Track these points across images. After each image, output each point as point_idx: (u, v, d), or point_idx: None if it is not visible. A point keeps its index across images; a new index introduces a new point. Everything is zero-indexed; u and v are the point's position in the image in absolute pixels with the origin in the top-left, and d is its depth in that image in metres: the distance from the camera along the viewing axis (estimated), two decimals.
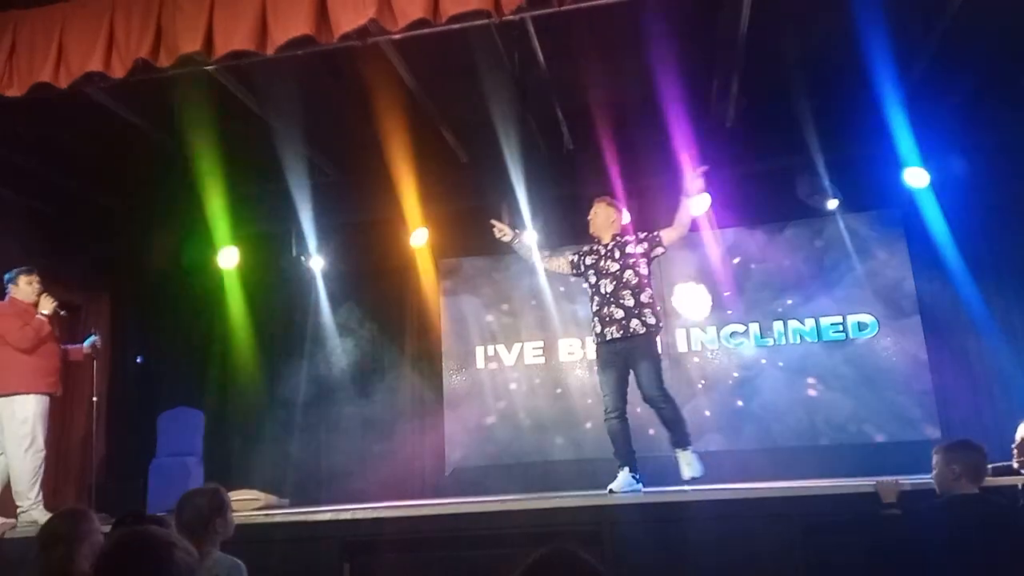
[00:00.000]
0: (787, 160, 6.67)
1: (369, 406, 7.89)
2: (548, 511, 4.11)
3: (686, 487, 4.61)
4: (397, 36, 4.40)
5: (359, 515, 4.28)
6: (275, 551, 4.04)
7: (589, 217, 5.10)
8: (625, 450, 4.73)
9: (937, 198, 6.61)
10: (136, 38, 4.40)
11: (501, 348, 7.87)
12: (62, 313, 5.54)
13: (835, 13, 5.24)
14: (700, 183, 4.87)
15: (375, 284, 8.13)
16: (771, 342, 7.33)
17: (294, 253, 7.56)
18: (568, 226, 7.54)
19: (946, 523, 3.11)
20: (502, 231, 5.17)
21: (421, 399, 7.87)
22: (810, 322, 7.27)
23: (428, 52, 5.37)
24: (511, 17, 4.20)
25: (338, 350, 7.95)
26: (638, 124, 6.39)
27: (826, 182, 6.69)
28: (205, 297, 7.74)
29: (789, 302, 7.35)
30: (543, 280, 7.78)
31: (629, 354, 4.73)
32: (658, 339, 4.87)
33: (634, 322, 4.70)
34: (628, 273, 4.80)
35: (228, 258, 7.51)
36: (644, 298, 4.77)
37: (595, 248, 5.04)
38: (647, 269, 4.89)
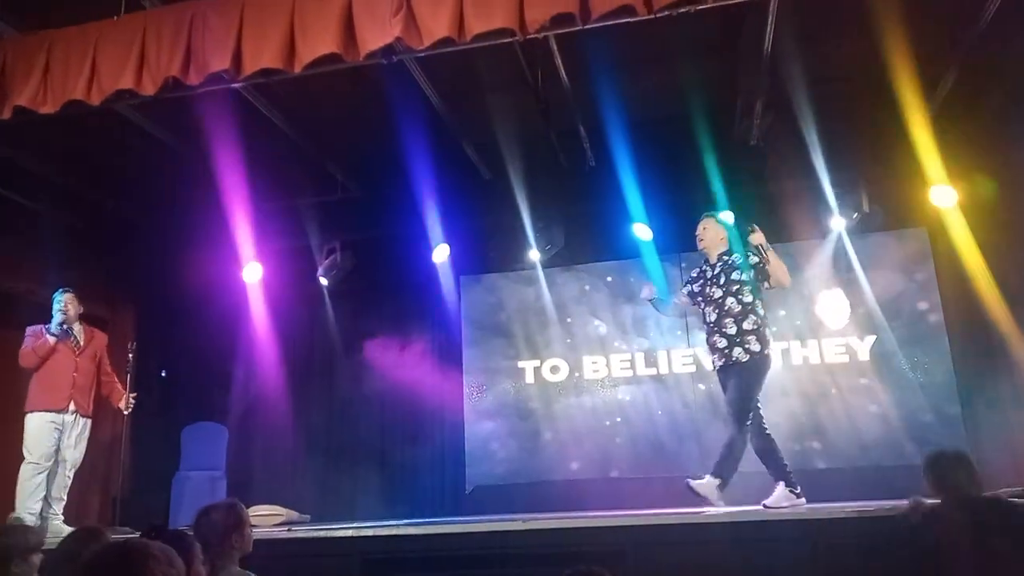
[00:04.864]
0: (812, 178, 6.61)
1: (390, 422, 7.89)
2: (571, 530, 4.06)
3: (709, 508, 4.54)
4: (422, 54, 4.44)
5: (379, 532, 4.28)
6: (295, 567, 4.04)
7: (697, 233, 5.02)
8: (778, 464, 4.75)
9: (964, 217, 6.53)
10: (167, 57, 4.48)
11: (522, 365, 7.84)
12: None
13: (860, 30, 5.23)
14: (757, 237, 4.78)
15: (396, 299, 8.15)
16: (796, 360, 7.24)
17: (317, 269, 7.61)
18: (590, 242, 7.56)
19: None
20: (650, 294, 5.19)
21: (442, 416, 7.85)
22: (836, 340, 7.18)
23: (451, 68, 5.41)
24: (535, 35, 4.22)
25: (359, 366, 7.97)
26: (661, 141, 6.38)
27: (851, 201, 6.65)
28: (229, 312, 7.80)
29: (815, 320, 7.27)
30: (566, 297, 7.77)
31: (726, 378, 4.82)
32: (763, 367, 4.78)
33: (736, 351, 4.71)
34: (730, 300, 4.78)
35: (252, 273, 7.57)
36: (747, 325, 4.72)
37: (703, 271, 5.02)
38: (752, 296, 4.80)
